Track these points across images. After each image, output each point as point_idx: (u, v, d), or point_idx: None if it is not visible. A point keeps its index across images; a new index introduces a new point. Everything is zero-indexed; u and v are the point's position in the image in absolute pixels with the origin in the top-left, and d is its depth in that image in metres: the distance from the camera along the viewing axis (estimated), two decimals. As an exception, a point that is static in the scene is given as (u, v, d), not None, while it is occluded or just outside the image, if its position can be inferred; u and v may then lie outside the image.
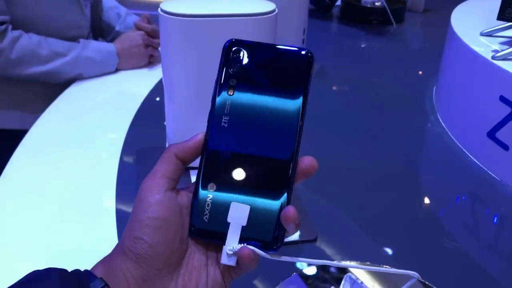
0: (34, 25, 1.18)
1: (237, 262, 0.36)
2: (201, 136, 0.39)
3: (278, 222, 0.37)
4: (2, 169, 0.85)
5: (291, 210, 0.36)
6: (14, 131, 1.27)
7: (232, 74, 0.39)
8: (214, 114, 0.38)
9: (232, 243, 0.36)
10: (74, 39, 1.24)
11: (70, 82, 1.22)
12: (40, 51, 1.15)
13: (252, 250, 0.36)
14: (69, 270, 0.36)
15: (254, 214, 0.37)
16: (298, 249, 0.69)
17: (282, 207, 0.37)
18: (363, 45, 1.74)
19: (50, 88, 1.24)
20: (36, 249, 0.67)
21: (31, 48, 1.14)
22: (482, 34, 1.03)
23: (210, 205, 0.37)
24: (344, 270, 0.61)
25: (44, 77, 1.20)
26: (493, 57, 0.89)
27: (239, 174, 0.38)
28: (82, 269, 0.36)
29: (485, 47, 0.95)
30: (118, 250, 0.37)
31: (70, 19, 1.23)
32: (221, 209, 0.37)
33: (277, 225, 0.37)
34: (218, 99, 0.39)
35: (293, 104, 0.38)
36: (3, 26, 1.12)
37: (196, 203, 0.37)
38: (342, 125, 1.10)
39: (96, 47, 1.24)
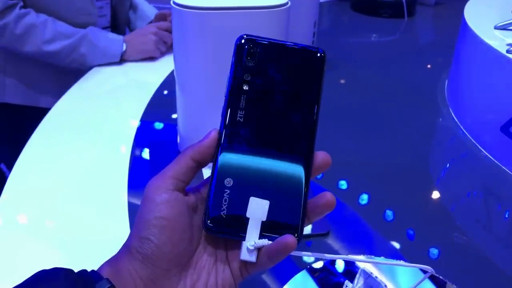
0: (45, 8, 1.20)
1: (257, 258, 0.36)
2: (214, 133, 0.38)
3: (298, 216, 0.36)
4: (10, 144, 0.84)
5: (329, 195, 0.37)
6: (20, 107, 1.30)
7: (244, 69, 0.39)
8: (229, 109, 0.38)
9: (252, 238, 0.36)
10: (83, 25, 1.25)
11: (80, 71, 1.23)
12: (44, 30, 1.17)
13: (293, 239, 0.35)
14: (76, 270, 0.35)
15: (273, 209, 0.36)
16: (310, 242, 0.69)
17: (301, 201, 0.37)
18: (374, 38, 1.73)
19: (57, 69, 1.26)
20: (45, 240, 0.68)
21: (36, 25, 1.17)
22: (496, 28, 1.01)
23: (227, 200, 0.37)
24: (354, 264, 0.61)
25: (46, 57, 1.21)
26: (507, 51, 0.87)
27: (256, 168, 0.37)
28: (88, 270, 0.36)
29: (499, 41, 0.94)
30: (124, 250, 0.37)
31: (79, 6, 1.25)
32: (239, 205, 0.37)
33: (298, 219, 0.36)
34: (232, 94, 0.39)
35: (307, 99, 0.39)
36: (13, 1, 1.14)
37: (212, 199, 0.37)
38: (353, 119, 1.09)
39: (102, 35, 1.25)
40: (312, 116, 0.38)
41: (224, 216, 0.36)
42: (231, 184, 0.37)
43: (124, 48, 1.27)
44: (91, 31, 1.23)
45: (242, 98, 0.39)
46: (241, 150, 0.38)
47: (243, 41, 0.40)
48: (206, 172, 0.41)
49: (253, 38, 0.40)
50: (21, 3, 1.17)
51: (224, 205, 0.37)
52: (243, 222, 0.36)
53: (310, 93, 0.39)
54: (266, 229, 0.36)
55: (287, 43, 0.40)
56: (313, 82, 0.39)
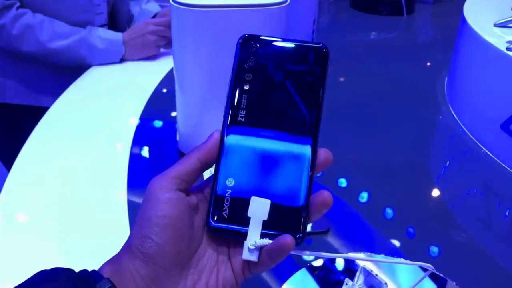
0: (43, 5, 1.20)
1: (259, 257, 0.36)
2: (217, 135, 0.38)
3: (301, 215, 0.36)
4: (10, 143, 0.84)
5: (326, 193, 0.36)
6: (20, 106, 1.29)
7: (247, 68, 0.39)
8: (230, 109, 0.38)
9: (254, 238, 0.36)
10: (81, 23, 1.24)
11: (80, 70, 1.23)
12: (41, 31, 1.17)
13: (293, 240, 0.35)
14: (74, 268, 0.35)
15: (275, 208, 0.36)
16: (310, 240, 0.69)
17: (305, 200, 0.36)
18: (373, 36, 1.73)
19: (57, 68, 1.25)
20: (44, 238, 0.68)
21: (33, 26, 1.16)
22: (495, 25, 1.01)
23: (229, 200, 0.37)
24: (354, 262, 0.61)
25: (44, 57, 1.21)
26: (507, 48, 0.87)
27: (258, 168, 0.37)
28: (89, 269, 0.36)
29: (498, 38, 0.93)
30: (125, 249, 0.37)
31: (78, 4, 1.24)
32: (241, 205, 0.36)
33: (300, 218, 0.36)
34: (233, 94, 0.38)
35: (311, 96, 0.38)
36: (9, 2, 1.14)
37: (214, 199, 0.37)
38: (353, 116, 1.09)
39: (101, 35, 1.24)
40: (315, 114, 0.38)
41: (226, 217, 0.36)
42: (233, 184, 0.37)
43: (124, 50, 1.27)
44: (89, 33, 1.22)
45: (245, 97, 0.38)
46: (243, 150, 0.37)
47: (244, 40, 0.40)
48: (206, 173, 0.41)
49: (255, 36, 0.40)
50: (18, 3, 1.17)
51: (226, 205, 0.37)
52: (245, 222, 0.36)
53: (313, 89, 0.38)
54: (268, 229, 0.36)
55: (289, 40, 0.40)
56: (317, 78, 0.39)
